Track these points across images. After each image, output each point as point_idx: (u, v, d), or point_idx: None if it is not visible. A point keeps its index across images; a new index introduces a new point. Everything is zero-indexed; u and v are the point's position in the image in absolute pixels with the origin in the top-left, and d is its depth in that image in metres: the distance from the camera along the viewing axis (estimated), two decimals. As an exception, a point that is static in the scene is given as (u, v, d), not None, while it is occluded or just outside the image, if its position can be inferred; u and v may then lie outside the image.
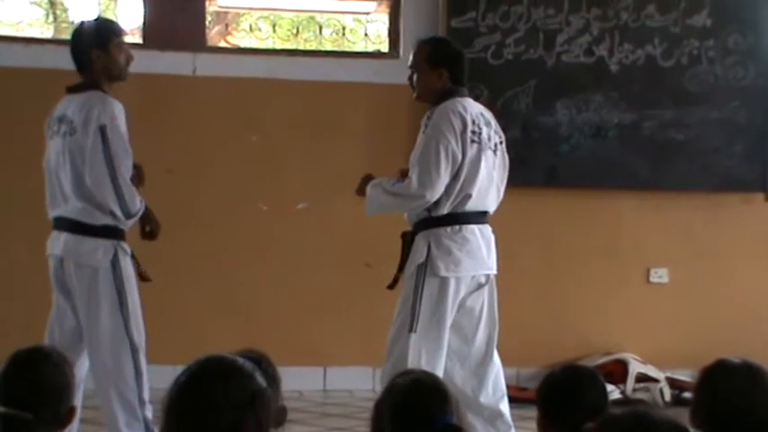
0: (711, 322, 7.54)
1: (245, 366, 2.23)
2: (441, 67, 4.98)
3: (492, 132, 5.00)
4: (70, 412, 2.76)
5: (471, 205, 4.90)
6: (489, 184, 4.97)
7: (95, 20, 5.39)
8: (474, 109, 4.98)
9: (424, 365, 4.54)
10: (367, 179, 5.06)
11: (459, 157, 4.82)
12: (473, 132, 4.90)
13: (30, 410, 2.62)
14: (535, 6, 7.39)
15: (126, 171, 4.69)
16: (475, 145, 4.89)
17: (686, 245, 7.66)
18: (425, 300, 4.81)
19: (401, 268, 4.95)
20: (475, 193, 4.91)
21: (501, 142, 5.06)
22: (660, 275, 7.67)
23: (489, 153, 4.96)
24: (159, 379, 6.38)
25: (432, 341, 4.82)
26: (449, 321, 4.88)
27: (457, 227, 4.86)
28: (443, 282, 4.83)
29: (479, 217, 4.94)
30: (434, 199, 4.79)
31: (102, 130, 4.66)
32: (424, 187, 4.75)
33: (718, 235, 7.68)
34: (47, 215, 4.87)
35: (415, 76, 5.04)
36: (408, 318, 4.81)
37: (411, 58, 5.10)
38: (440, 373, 4.68)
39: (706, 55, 7.54)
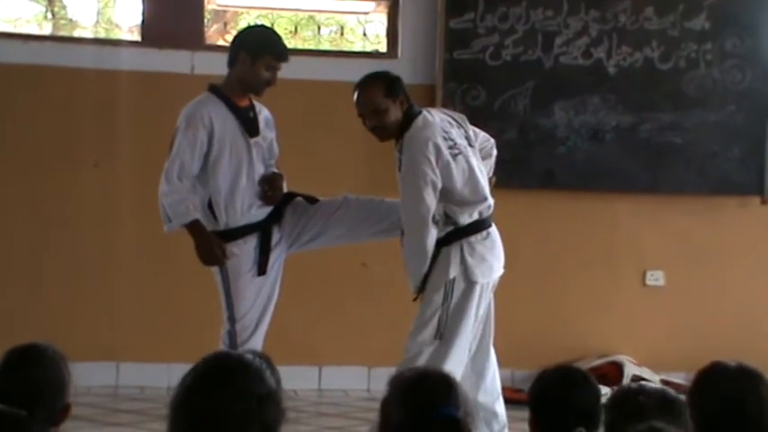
0: (707, 325, 7.55)
1: (254, 365, 2.20)
2: (399, 94, 4.95)
3: (461, 131, 5.01)
4: (65, 410, 2.75)
5: (490, 209, 4.96)
6: (486, 180, 5.02)
7: (266, 28, 5.61)
8: (437, 120, 4.96)
9: (448, 371, 4.52)
10: None
11: (439, 183, 4.82)
12: (450, 147, 4.89)
13: (25, 408, 2.61)
14: (534, 8, 7.38)
15: (170, 169, 5.06)
16: (460, 156, 4.89)
17: (683, 248, 7.66)
18: (454, 307, 4.84)
19: (425, 282, 4.92)
20: (490, 198, 4.95)
21: (467, 137, 5.03)
22: (656, 278, 7.67)
23: (470, 151, 4.97)
24: (155, 377, 6.38)
25: (457, 348, 4.86)
26: (473, 326, 4.91)
27: (485, 233, 4.93)
28: (473, 287, 4.86)
29: (492, 217, 5.01)
30: (431, 214, 4.81)
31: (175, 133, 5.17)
32: (423, 220, 4.80)
33: (715, 238, 7.68)
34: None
35: (377, 120, 4.96)
36: (435, 325, 4.84)
37: (363, 104, 4.98)
38: (459, 378, 4.67)
39: (704, 58, 7.53)
